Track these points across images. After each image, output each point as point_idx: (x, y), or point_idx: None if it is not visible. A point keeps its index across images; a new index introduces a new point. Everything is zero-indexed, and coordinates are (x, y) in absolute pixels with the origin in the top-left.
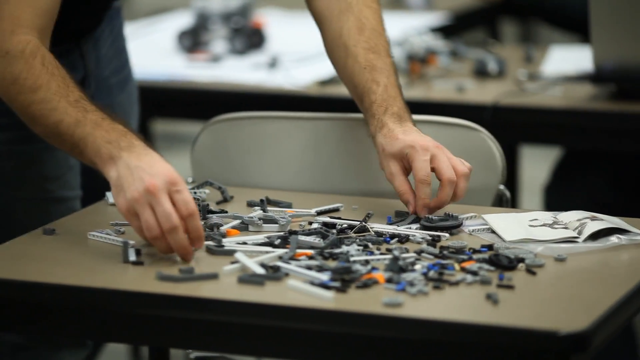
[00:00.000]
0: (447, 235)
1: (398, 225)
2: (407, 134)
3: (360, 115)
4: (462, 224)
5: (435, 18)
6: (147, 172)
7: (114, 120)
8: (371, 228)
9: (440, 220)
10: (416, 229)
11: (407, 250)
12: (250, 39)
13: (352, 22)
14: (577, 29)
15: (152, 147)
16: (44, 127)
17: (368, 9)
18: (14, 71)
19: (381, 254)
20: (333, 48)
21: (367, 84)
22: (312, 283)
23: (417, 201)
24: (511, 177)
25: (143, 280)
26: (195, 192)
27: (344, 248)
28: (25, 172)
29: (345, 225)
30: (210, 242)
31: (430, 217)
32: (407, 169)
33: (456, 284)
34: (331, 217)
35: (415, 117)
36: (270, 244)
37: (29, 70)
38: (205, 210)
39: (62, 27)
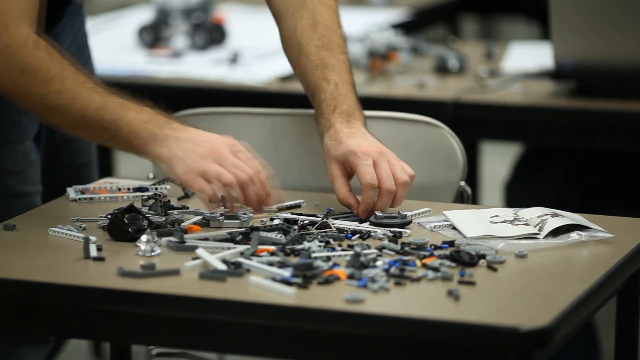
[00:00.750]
0: (408, 231)
1: (333, 218)
2: (351, 138)
3: None
4: (410, 222)
5: (396, 14)
6: (204, 140)
7: (138, 101)
8: (333, 224)
9: (386, 218)
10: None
11: (368, 247)
12: (211, 34)
13: (306, 19)
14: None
15: (187, 123)
16: (65, 116)
17: (323, 5)
18: (21, 64)
19: (343, 250)
20: (288, 46)
21: (318, 82)
22: (274, 279)
23: (361, 205)
24: (472, 174)
25: (104, 276)
26: (156, 188)
27: (306, 244)
28: None
29: (306, 222)
30: (171, 238)
31: (378, 214)
32: (350, 173)
33: (417, 280)
34: (293, 213)
35: (376, 113)
36: (231, 240)
37: (37, 61)
38: (166, 207)
39: None
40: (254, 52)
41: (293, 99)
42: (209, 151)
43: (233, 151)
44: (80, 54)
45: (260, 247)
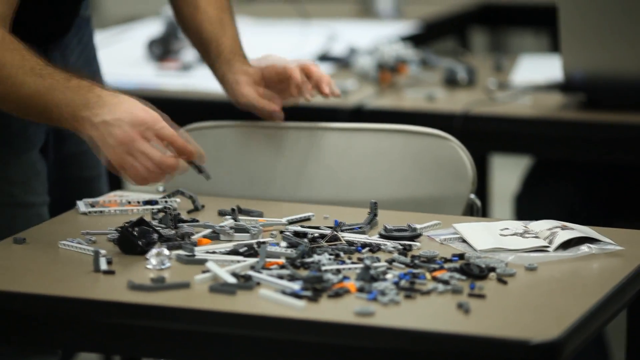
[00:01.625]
0: (418, 244)
1: (342, 230)
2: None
3: (330, 124)
4: (420, 234)
5: (406, 27)
6: (115, 126)
7: (76, 77)
8: (342, 237)
9: (396, 231)
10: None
11: (378, 260)
12: None
13: None
14: None
15: (120, 92)
16: (14, 102)
17: None
18: None
19: (352, 263)
20: (182, 6)
21: (217, 34)
22: (284, 292)
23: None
24: (482, 186)
25: (114, 289)
26: (166, 201)
27: (316, 257)
28: None
29: (316, 234)
30: (181, 252)
31: (387, 227)
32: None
33: (427, 293)
34: (302, 226)
35: (385, 126)
36: (241, 253)
37: None
38: (176, 220)
39: (28, 31)
40: None
41: (302, 113)
42: (118, 144)
43: (155, 129)
44: (89, 67)
45: (270, 260)
